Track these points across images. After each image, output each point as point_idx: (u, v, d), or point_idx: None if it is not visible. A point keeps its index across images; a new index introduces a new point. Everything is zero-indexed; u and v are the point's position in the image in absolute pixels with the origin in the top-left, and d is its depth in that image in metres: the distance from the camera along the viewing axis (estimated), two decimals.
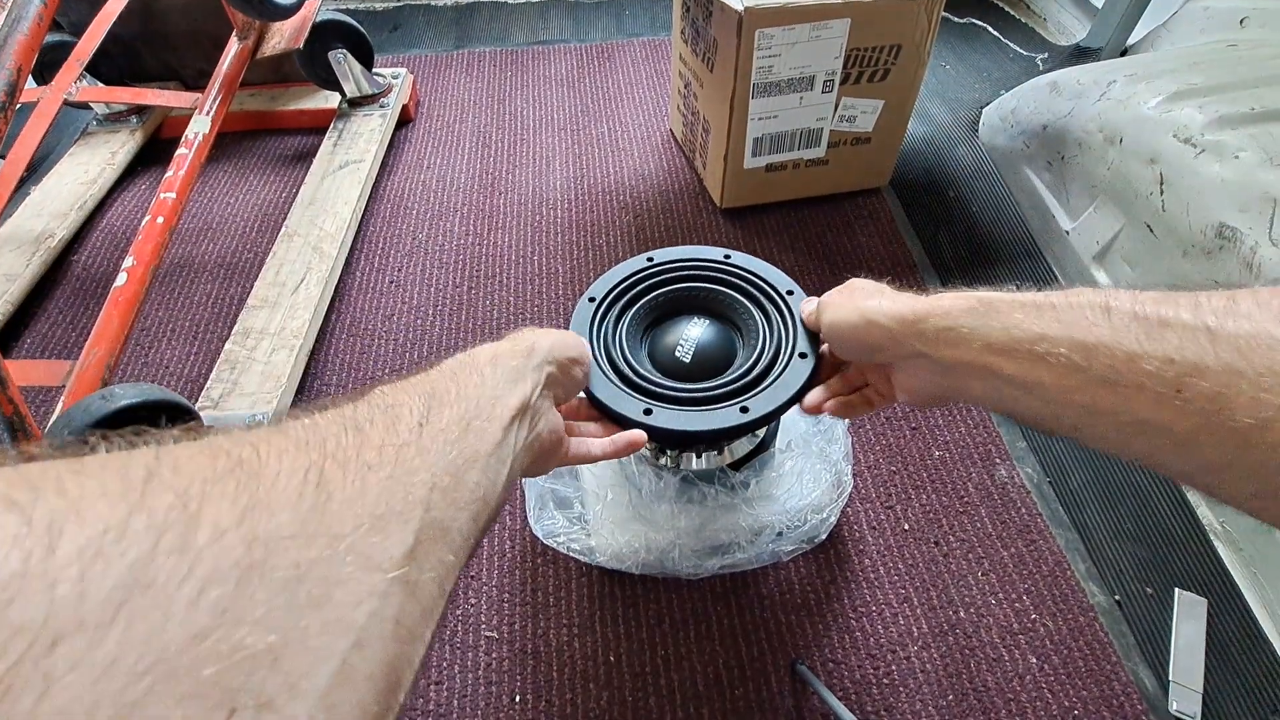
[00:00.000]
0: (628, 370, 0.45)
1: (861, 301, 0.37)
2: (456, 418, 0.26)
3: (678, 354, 0.47)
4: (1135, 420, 0.25)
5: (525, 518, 0.58)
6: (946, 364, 0.32)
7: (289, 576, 0.16)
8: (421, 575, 0.21)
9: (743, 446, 0.54)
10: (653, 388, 0.44)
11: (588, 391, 0.43)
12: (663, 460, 0.53)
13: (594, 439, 0.40)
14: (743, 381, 0.44)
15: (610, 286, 0.50)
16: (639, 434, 0.41)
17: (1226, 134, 0.71)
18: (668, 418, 0.42)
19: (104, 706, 0.12)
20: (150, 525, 0.15)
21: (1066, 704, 0.53)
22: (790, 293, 0.49)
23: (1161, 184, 0.73)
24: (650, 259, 0.51)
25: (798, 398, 0.43)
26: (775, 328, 0.47)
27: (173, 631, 0.14)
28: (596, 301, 0.49)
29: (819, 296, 0.43)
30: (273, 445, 0.19)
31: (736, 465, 0.54)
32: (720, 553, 0.54)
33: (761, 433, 0.55)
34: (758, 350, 0.46)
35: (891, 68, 0.84)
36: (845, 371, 0.44)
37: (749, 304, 0.49)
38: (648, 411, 0.42)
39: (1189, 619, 0.57)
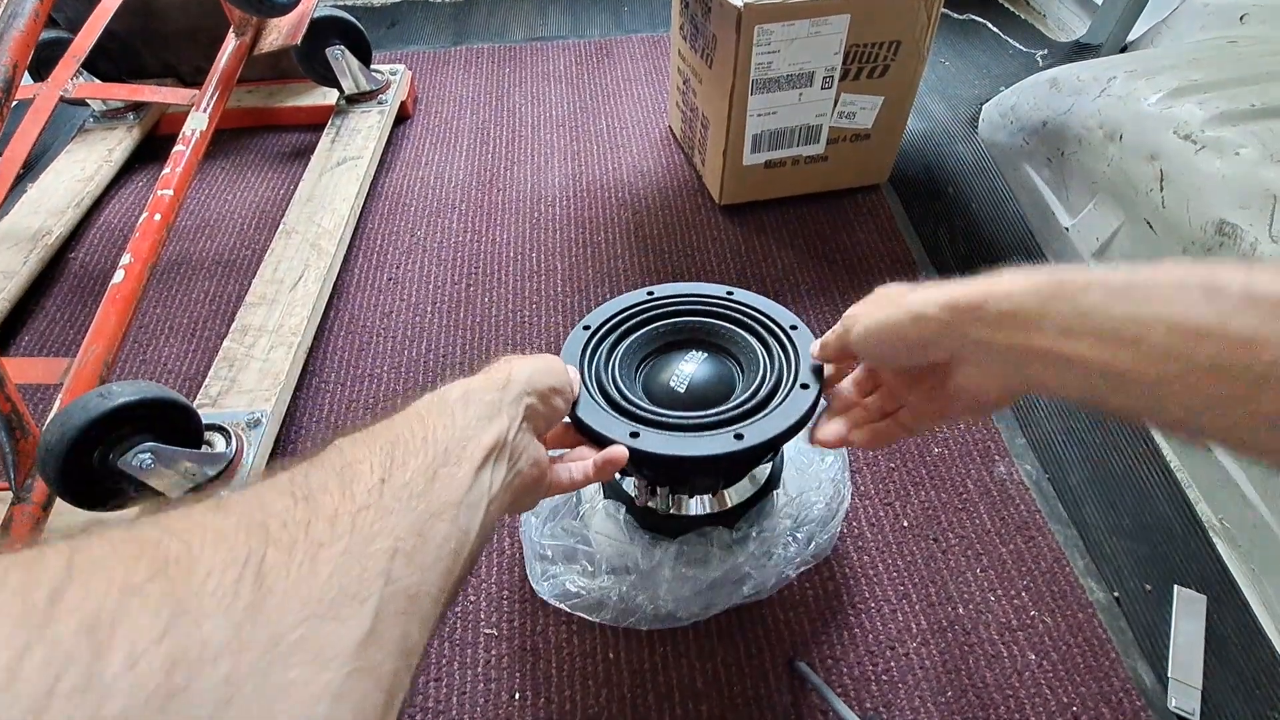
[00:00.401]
0: (617, 397, 0.43)
1: (901, 298, 0.32)
2: (422, 468, 0.24)
3: (672, 384, 0.44)
4: (1267, 415, 0.21)
5: (521, 517, 0.58)
6: (1016, 353, 0.27)
7: (218, 697, 0.15)
8: (384, 659, 0.19)
9: (741, 491, 0.52)
10: (642, 413, 0.42)
11: (573, 415, 0.41)
12: (653, 503, 0.49)
13: (575, 463, 0.38)
14: (739, 410, 0.41)
15: (607, 316, 0.48)
16: (619, 450, 0.38)
17: (1227, 130, 0.71)
18: (656, 442, 0.39)
19: None
20: (49, 660, 0.13)
21: (1065, 700, 0.53)
22: (794, 328, 0.46)
23: (1161, 180, 0.73)
24: (650, 293, 0.50)
25: (798, 427, 0.41)
26: (776, 360, 0.45)
27: None
28: (591, 330, 0.47)
29: (824, 337, 0.40)
30: (208, 533, 0.18)
31: (735, 515, 0.52)
32: (727, 593, 0.52)
33: (762, 477, 0.53)
34: (757, 381, 0.44)
35: (891, 64, 0.83)
36: (869, 399, 0.40)
37: (750, 337, 0.47)
38: (634, 435, 0.40)
39: (1188, 615, 0.57)
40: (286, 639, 0.17)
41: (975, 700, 0.54)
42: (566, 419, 0.41)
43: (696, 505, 0.52)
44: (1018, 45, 1.23)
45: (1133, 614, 0.58)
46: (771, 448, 0.41)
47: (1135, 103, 0.79)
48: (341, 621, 0.18)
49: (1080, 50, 1.17)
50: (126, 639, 0.14)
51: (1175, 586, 0.59)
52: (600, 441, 0.40)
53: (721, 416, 0.41)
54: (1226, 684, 0.54)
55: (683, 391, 0.44)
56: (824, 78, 0.82)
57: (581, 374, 0.43)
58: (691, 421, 0.41)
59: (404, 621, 0.20)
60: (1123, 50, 1.12)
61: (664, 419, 0.41)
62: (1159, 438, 0.69)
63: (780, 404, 0.41)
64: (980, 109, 1.07)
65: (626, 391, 0.43)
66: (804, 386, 0.42)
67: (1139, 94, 0.80)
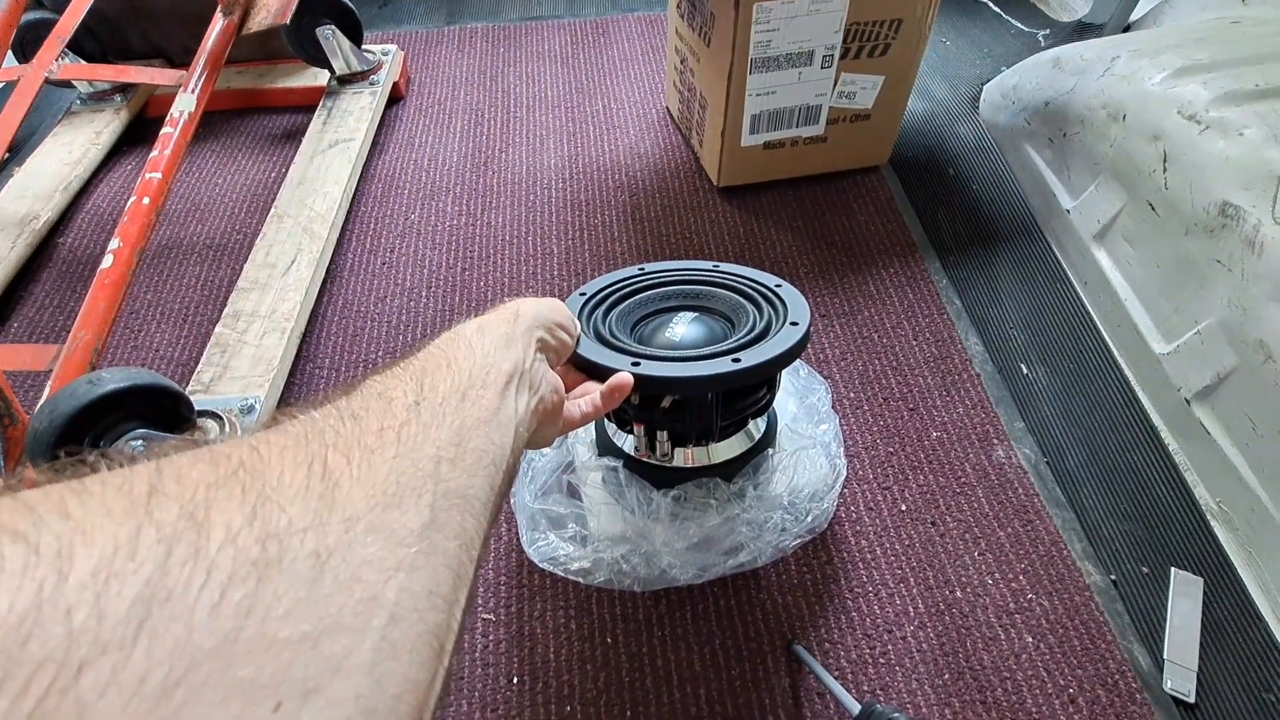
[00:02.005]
0: (614, 342, 0.45)
1: None
2: (451, 389, 0.26)
3: (668, 336, 0.47)
4: None
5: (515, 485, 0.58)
6: None
7: (310, 566, 0.16)
8: (446, 544, 0.21)
9: (738, 444, 0.53)
10: (641, 350, 0.44)
11: (575, 355, 0.43)
12: (651, 456, 0.51)
13: (583, 398, 0.40)
14: (736, 344, 0.44)
15: (601, 286, 0.51)
16: (625, 376, 0.40)
17: (1231, 111, 0.70)
18: (657, 368, 0.42)
19: None
20: (160, 538, 0.15)
21: (1062, 682, 0.54)
22: (779, 285, 0.50)
23: (1165, 161, 0.72)
24: (641, 268, 0.53)
25: (791, 355, 0.43)
26: (766, 313, 0.48)
27: (199, 639, 0.14)
28: (587, 297, 0.49)
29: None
30: (272, 444, 0.19)
31: (732, 468, 0.53)
32: (723, 557, 0.53)
33: (758, 433, 0.54)
34: (750, 326, 0.47)
35: (892, 43, 0.82)
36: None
37: (738, 297, 0.50)
38: (635, 364, 0.42)
39: (1185, 598, 0.58)
40: (359, 523, 0.18)
41: (972, 682, 0.54)
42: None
43: (694, 457, 0.53)
44: (1020, 25, 1.21)
45: (1130, 597, 0.58)
46: (766, 371, 0.43)
47: (1139, 82, 0.78)
48: (404, 509, 0.20)
49: (1083, 30, 1.16)
50: (221, 521, 0.16)
51: (1172, 569, 0.59)
52: (604, 375, 0.42)
53: (719, 348, 0.44)
54: (1222, 666, 0.54)
55: (677, 342, 0.47)
56: (824, 56, 0.81)
57: (581, 328, 0.45)
58: (689, 354, 0.43)
59: (459, 516, 0.22)
60: (1125, 30, 1.10)
61: (662, 354, 0.44)
62: (1158, 421, 0.69)
63: (773, 337, 0.44)
64: (981, 89, 1.05)
65: (625, 340, 0.46)
66: (794, 324, 0.45)
67: (1143, 73, 0.79)
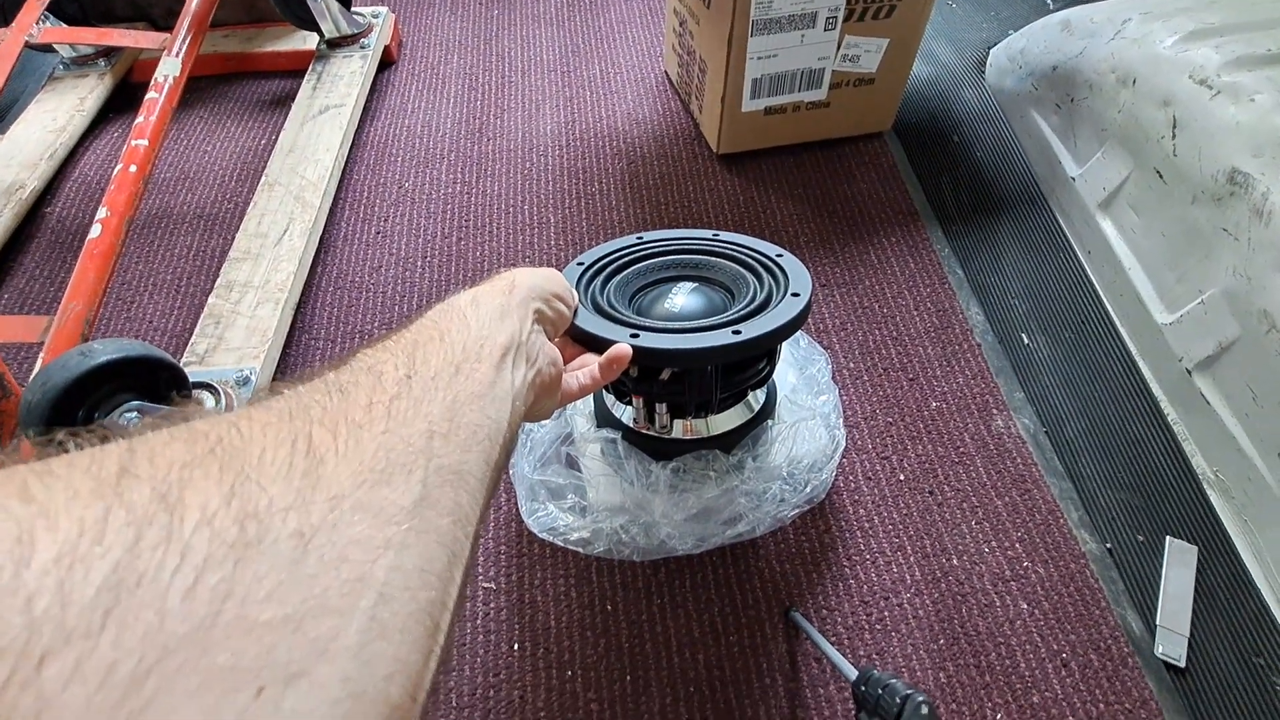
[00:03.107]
0: (613, 313, 0.45)
1: None
2: (444, 363, 0.25)
3: (667, 307, 0.46)
4: None
5: (514, 457, 0.58)
6: None
7: (293, 546, 0.16)
8: (440, 521, 0.20)
9: (737, 416, 0.53)
10: (640, 321, 0.43)
11: (573, 327, 0.42)
12: (650, 428, 0.51)
13: (580, 370, 0.39)
14: (736, 315, 0.44)
15: (599, 255, 0.50)
16: (623, 347, 0.39)
17: (1243, 75, 0.69)
18: (656, 340, 0.41)
19: (108, 716, 0.12)
20: (130, 520, 0.14)
21: (1055, 647, 0.54)
22: (780, 255, 0.49)
23: (1174, 127, 0.71)
24: (640, 237, 0.52)
25: (792, 327, 0.43)
26: (766, 283, 0.47)
27: (172, 626, 0.13)
28: (585, 266, 0.49)
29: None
30: (254, 420, 0.18)
31: (731, 439, 0.53)
32: (722, 527, 0.53)
33: (757, 404, 0.54)
34: (750, 297, 0.46)
35: (897, 4, 0.80)
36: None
37: (739, 267, 0.49)
38: (634, 335, 0.41)
39: (1179, 565, 0.58)
40: (346, 501, 0.17)
41: (967, 648, 0.55)
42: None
43: (693, 429, 0.52)
44: None
45: (1124, 564, 0.59)
46: (767, 344, 0.43)
47: (1150, 46, 0.76)
48: (393, 486, 0.19)
49: None
50: (197, 501, 0.15)
51: (1167, 538, 0.60)
52: (602, 347, 0.41)
53: (719, 320, 0.43)
54: (1214, 632, 0.55)
55: (676, 312, 0.46)
56: (827, 18, 0.79)
57: (579, 298, 0.45)
58: (689, 326, 0.43)
59: (453, 492, 0.21)
60: None
61: (662, 325, 0.43)
62: (1158, 391, 0.69)
63: (774, 308, 0.44)
64: (988, 53, 1.03)
65: (623, 311, 0.45)
66: (795, 295, 0.45)
67: (1154, 36, 0.76)
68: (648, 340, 0.41)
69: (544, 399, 0.34)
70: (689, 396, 0.48)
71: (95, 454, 0.15)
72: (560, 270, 0.42)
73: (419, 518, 0.19)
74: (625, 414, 0.54)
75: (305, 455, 0.18)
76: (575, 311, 0.41)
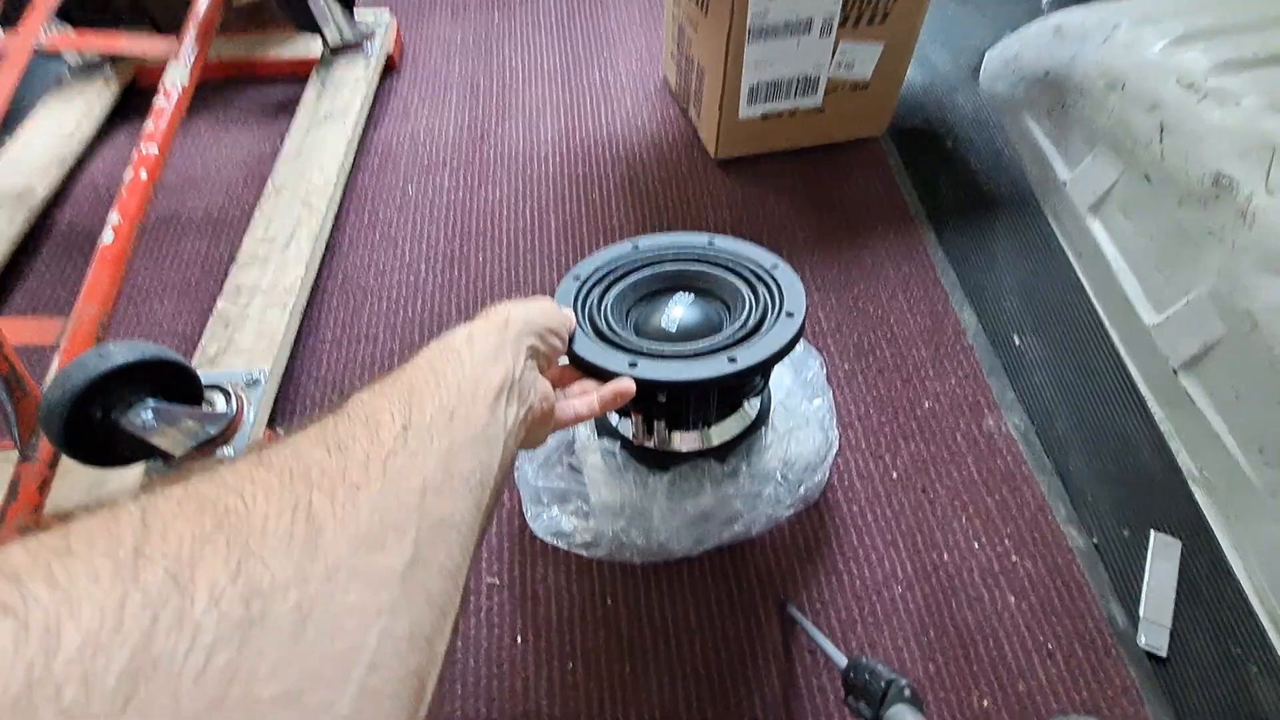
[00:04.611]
0: (611, 336, 0.45)
1: None
2: (439, 408, 0.26)
3: (663, 325, 0.46)
4: None
5: (518, 461, 0.60)
6: None
7: (293, 621, 0.17)
8: (430, 580, 0.21)
9: (732, 426, 0.54)
10: (638, 346, 0.44)
11: (570, 353, 0.42)
12: (649, 441, 0.52)
13: (580, 398, 0.40)
14: (731, 339, 0.44)
15: (595, 267, 0.50)
16: (627, 382, 0.40)
17: (1229, 79, 0.70)
18: (654, 369, 0.41)
19: None
20: (145, 604, 0.15)
21: (1041, 639, 0.56)
22: (775, 267, 0.49)
23: (1162, 131, 0.72)
24: (635, 245, 0.52)
25: (786, 350, 0.43)
26: (761, 298, 0.47)
27: (186, 708, 0.14)
28: (581, 280, 0.49)
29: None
30: (258, 485, 0.19)
31: (726, 449, 0.54)
32: (719, 527, 0.54)
33: (752, 412, 0.55)
34: (745, 315, 0.46)
35: (891, 9, 0.81)
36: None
37: (734, 278, 0.49)
38: (633, 365, 0.42)
39: (1163, 559, 0.60)
40: (342, 569, 0.19)
41: (956, 639, 0.56)
42: (564, 359, 0.42)
43: (689, 440, 0.53)
44: None
45: (1110, 559, 0.61)
46: (763, 370, 0.43)
47: (1139, 51, 0.78)
48: (387, 551, 0.20)
49: None
50: (206, 580, 0.16)
51: (1152, 532, 0.61)
52: (599, 374, 0.42)
53: (714, 345, 0.43)
54: (1195, 623, 0.57)
55: (673, 331, 0.46)
56: (823, 24, 0.80)
57: (576, 318, 0.45)
58: (686, 351, 0.43)
59: (444, 547, 0.22)
60: None
61: (659, 351, 0.43)
62: (1145, 390, 0.71)
63: (768, 331, 0.44)
64: (983, 57, 1.04)
65: (620, 332, 0.45)
66: (789, 315, 0.45)
67: (1143, 41, 0.78)
68: (645, 370, 0.41)
69: (535, 432, 0.35)
70: (686, 415, 0.50)
71: (111, 527, 0.17)
72: (558, 280, 0.43)
73: (410, 580, 0.20)
74: (624, 425, 0.55)
75: (305, 523, 0.19)
76: (572, 337, 0.42)
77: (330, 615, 0.18)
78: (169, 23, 1.07)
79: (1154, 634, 0.56)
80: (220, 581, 0.16)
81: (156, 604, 0.15)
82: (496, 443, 0.27)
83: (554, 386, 0.41)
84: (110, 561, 0.15)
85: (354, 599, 0.18)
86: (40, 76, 1.05)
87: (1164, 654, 0.55)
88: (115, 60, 1.02)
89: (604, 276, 0.50)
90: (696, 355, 0.43)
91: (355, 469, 0.21)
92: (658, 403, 0.48)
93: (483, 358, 0.30)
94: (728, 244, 0.52)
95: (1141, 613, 0.57)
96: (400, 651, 0.19)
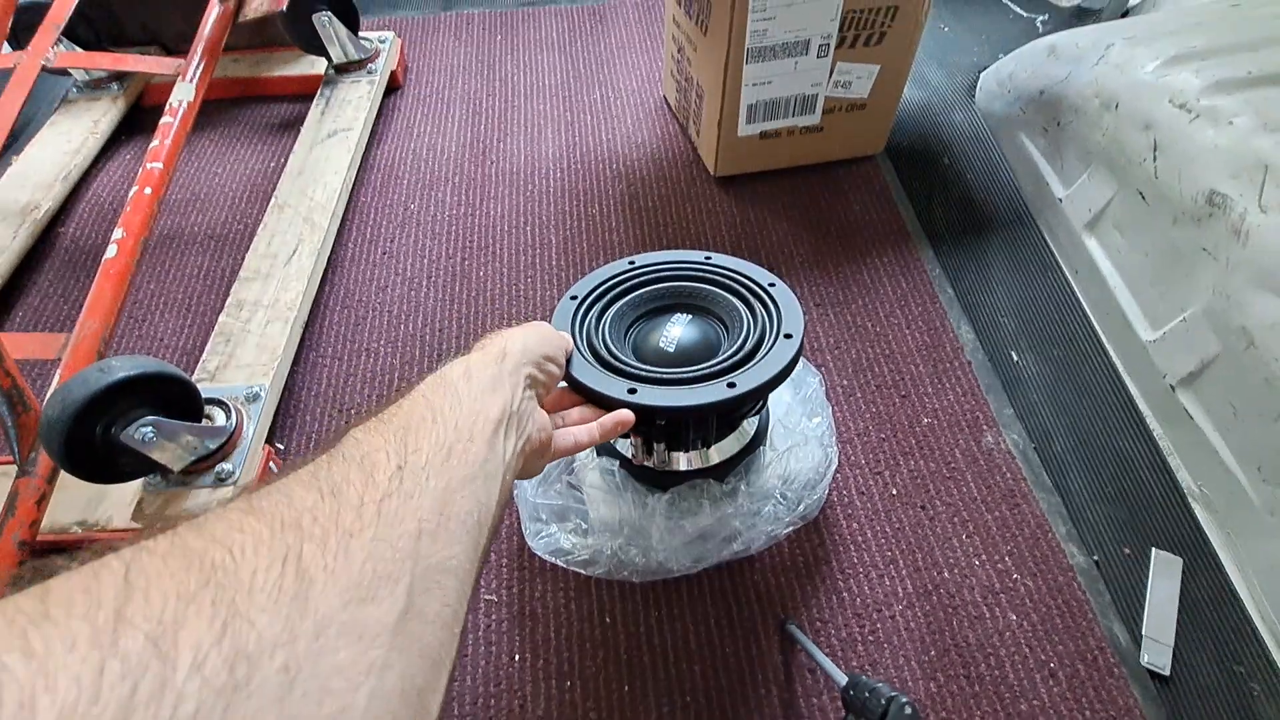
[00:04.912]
0: (610, 359, 0.45)
1: None
2: (436, 446, 0.25)
3: (661, 345, 0.46)
4: None
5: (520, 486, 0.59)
6: None
7: (279, 684, 0.16)
8: (423, 630, 0.20)
9: (731, 445, 0.54)
10: (636, 371, 0.43)
11: (569, 377, 0.42)
12: (649, 460, 0.52)
13: (579, 426, 0.40)
14: (729, 362, 0.44)
15: (592, 286, 0.50)
16: (626, 413, 0.40)
17: (1222, 99, 0.71)
18: (653, 395, 0.41)
19: None
20: (125, 673, 0.14)
21: (1043, 658, 0.56)
22: (772, 285, 0.49)
23: (1155, 150, 0.73)
24: (632, 262, 0.52)
25: (785, 374, 0.43)
26: (759, 317, 0.47)
27: None
28: (578, 300, 0.49)
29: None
30: (247, 535, 0.19)
31: (725, 469, 0.54)
32: (718, 545, 0.54)
33: (751, 430, 0.55)
34: (743, 336, 0.46)
35: (888, 30, 0.82)
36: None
37: (731, 297, 0.49)
38: (632, 391, 0.42)
39: (1164, 577, 0.60)
40: (331, 625, 0.18)
41: (957, 659, 0.56)
42: (563, 384, 0.42)
43: (688, 460, 0.53)
44: (1018, 10, 1.21)
45: (1111, 577, 0.60)
46: (761, 394, 0.43)
47: (1132, 71, 0.79)
48: (378, 602, 0.19)
49: (1081, 15, 1.16)
50: (189, 644, 0.15)
51: (1153, 550, 0.61)
52: (598, 400, 0.42)
53: (713, 369, 0.43)
54: (1197, 641, 0.56)
55: (672, 351, 0.46)
56: (820, 45, 0.81)
57: (574, 339, 0.45)
58: (685, 376, 0.43)
59: (439, 594, 0.21)
60: (1124, 15, 1.10)
61: (658, 375, 0.43)
62: (1144, 407, 0.71)
63: (766, 354, 0.44)
64: (978, 77, 1.06)
65: (619, 354, 0.45)
66: (787, 336, 0.45)
67: (1137, 61, 0.79)
68: (645, 396, 0.41)
69: (533, 461, 0.34)
70: (685, 437, 0.50)
71: (91, 587, 0.16)
72: (562, 285, 0.43)
73: (402, 633, 0.19)
74: (623, 445, 0.55)
75: (295, 576, 0.18)
76: (570, 360, 0.42)
77: (318, 676, 0.17)
78: (177, 43, 1.09)
79: (1157, 652, 0.56)
80: (204, 644, 0.16)
81: (136, 672, 0.14)
82: (495, 479, 0.27)
83: (553, 410, 0.41)
84: (89, 626, 0.15)
85: (343, 657, 0.18)
86: (47, 93, 1.06)
87: (1167, 672, 0.55)
88: (122, 77, 1.04)
89: (601, 295, 0.50)
90: (695, 380, 0.42)
91: (348, 514, 0.21)
92: (657, 426, 0.48)
93: (480, 391, 0.29)
94: (725, 260, 0.52)
95: (1144, 631, 0.57)
96: (392, 709, 0.18)
